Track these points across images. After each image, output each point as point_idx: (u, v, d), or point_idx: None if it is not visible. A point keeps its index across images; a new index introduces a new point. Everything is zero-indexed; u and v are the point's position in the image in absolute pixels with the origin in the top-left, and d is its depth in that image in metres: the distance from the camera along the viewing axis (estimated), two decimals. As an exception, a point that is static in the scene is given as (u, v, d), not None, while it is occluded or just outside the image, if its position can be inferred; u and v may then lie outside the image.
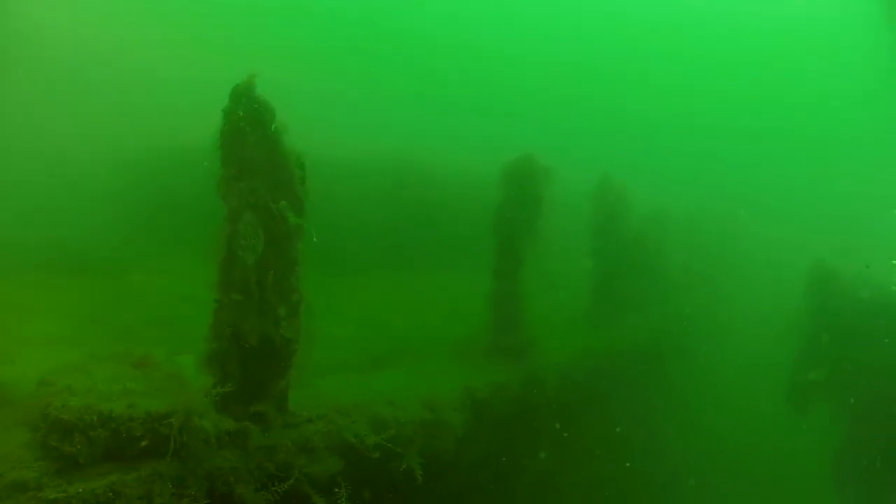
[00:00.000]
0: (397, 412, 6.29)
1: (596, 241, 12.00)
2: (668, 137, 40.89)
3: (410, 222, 15.01)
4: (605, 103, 42.99)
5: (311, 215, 5.50)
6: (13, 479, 4.41)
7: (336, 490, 5.51)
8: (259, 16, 35.70)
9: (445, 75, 41.89)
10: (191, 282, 5.66)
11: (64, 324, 8.55)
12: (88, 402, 4.80)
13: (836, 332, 10.98)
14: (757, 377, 14.87)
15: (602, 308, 11.97)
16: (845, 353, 10.87)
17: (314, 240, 5.10)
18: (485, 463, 7.95)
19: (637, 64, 46.71)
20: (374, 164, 15.64)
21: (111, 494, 4.53)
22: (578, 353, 10.23)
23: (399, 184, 15.50)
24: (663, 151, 37.69)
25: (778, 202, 29.57)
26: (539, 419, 8.79)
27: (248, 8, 34.99)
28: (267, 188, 4.91)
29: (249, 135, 4.76)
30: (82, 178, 15.70)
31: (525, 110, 38.96)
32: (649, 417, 12.48)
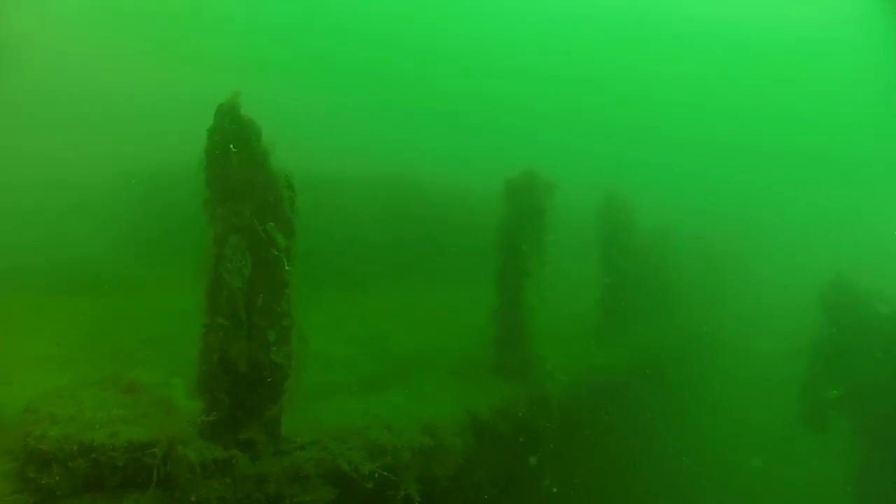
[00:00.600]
0: (395, 438, 6.05)
1: (602, 255, 11.89)
2: (675, 153, 40.69)
3: (411, 235, 14.85)
4: (613, 119, 42.87)
5: (308, 230, 5.31)
6: (-13, 513, 4.25)
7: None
8: (259, 29, 35.93)
9: (448, 90, 41.95)
10: (191, 298, 5.50)
11: (64, 342, 8.42)
12: (69, 431, 4.64)
13: (854, 349, 10.62)
14: (769, 394, 14.48)
15: (608, 320, 11.81)
16: (864, 371, 10.50)
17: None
18: (487, 488, 7.68)
19: (645, 79, 46.59)
20: (374, 178, 15.51)
21: (90, 528, 4.36)
22: (583, 370, 9.95)
23: (399, 198, 15.35)
24: (670, 167, 37.45)
25: (785, 218, 29.22)
26: (543, 441, 8.51)
27: (247, 23, 35.25)
28: (253, 210, 4.74)
29: (234, 155, 4.60)
30: (83, 197, 15.70)
31: (530, 125, 38.91)
32: (657, 436, 12.16)
